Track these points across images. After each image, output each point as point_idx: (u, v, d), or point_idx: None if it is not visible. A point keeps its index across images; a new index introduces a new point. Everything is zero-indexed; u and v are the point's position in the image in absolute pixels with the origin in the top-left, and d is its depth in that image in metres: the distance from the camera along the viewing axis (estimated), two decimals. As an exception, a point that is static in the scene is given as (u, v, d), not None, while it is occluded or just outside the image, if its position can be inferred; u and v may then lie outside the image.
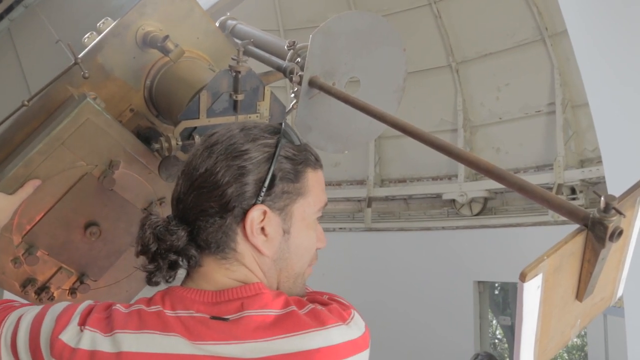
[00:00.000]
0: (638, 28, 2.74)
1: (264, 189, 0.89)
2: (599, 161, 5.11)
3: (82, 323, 0.88)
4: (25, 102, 1.40)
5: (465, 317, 6.41)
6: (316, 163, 0.98)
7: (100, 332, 0.87)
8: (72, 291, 1.55)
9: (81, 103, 1.38)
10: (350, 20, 1.57)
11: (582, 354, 8.87)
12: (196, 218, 0.90)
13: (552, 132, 6.14)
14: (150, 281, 0.94)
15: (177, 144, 1.34)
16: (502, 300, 9.58)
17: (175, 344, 0.84)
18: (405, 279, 6.43)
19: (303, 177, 0.94)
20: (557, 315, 0.79)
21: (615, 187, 2.82)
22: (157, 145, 1.36)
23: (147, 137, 1.53)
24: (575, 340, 8.11)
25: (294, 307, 0.86)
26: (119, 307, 0.91)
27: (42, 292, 1.51)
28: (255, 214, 0.89)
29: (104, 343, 0.85)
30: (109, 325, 0.87)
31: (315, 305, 0.87)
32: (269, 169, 0.90)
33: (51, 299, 1.53)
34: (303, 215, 0.93)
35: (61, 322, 0.89)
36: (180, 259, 0.92)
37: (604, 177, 3.32)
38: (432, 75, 6.77)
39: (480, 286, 6.61)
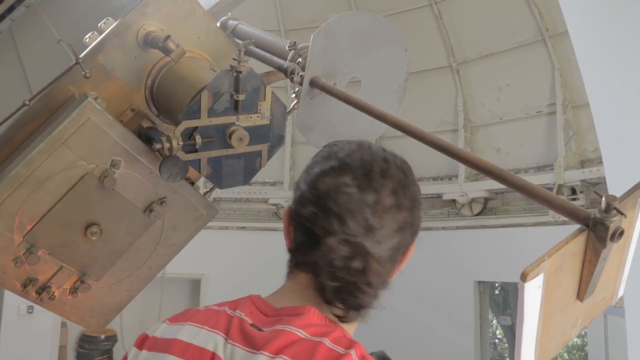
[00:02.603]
0: (638, 28, 2.74)
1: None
2: (599, 161, 5.11)
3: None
4: (27, 102, 1.40)
5: (466, 317, 6.41)
6: None
7: (167, 323, 0.92)
8: (73, 290, 1.55)
9: (82, 103, 1.39)
10: (352, 20, 1.57)
11: (583, 353, 8.87)
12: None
13: (552, 132, 6.13)
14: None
15: (178, 144, 1.34)
16: (502, 300, 9.58)
17: (212, 340, 0.84)
18: (405, 278, 6.40)
19: None
20: (558, 315, 0.79)
21: (615, 188, 2.82)
22: (158, 145, 1.36)
23: (148, 136, 1.53)
24: (575, 340, 8.10)
25: (325, 340, 0.79)
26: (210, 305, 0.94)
27: (43, 292, 1.51)
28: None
29: (166, 331, 0.89)
30: (181, 317, 0.91)
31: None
32: None
33: (52, 298, 1.53)
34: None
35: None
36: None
37: (604, 178, 3.32)
38: (432, 75, 6.77)
39: (480, 286, 6.61)
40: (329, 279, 0.84)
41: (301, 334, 0.80)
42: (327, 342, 0.79)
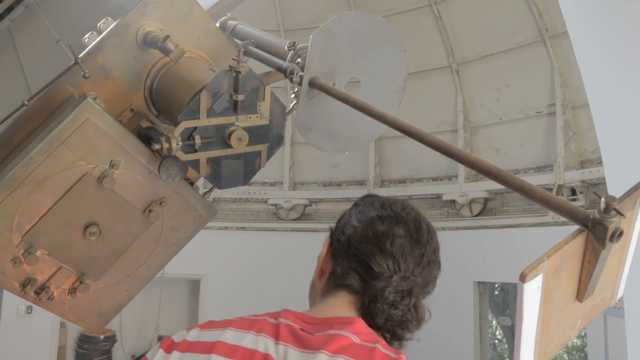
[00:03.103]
0: (638, 28, 2.74)
1: None
2: (599, 162, 5.11)
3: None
4: (26, 102, 1.40)
5: (465, 317, 6.41)
6: None
7: (197, 329, 0.97)
8: (72, 291, 1.55)
9: (81, 103, 1.38)
10: (351, 20, 1.57)
11: (582, 354, 8.86)
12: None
13: (552, 133, 6.13)
14: None
15: (177, 144, 1.34)
16: (502, 300, 9.58)
17: (262, 342, 0.90)
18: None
19: None
20: (557, 316, 0.79)
21: (615, 188, 2.82)
22: (157, 146, 1.35)
23: (147, 137, 1.53)
24: (575, 340, 8.10)
25: (378, 345, 0.90)
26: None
27: (41, 292, 1.51)
28: None
29: (201, 335, 0.94)
30: (214, 324, 0.97)
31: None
32: None
33: (51, 298, 1.53)
34: None
35: None
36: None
37: (604, 178, 3.32)
38: (432, 76, 6.77)
39: (480, 287, 6.61)
40: (386, 307, 0.98)
41: (355, 339, 0.90)
42: (380, 347, 0.89)
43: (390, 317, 0.99)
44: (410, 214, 1.06)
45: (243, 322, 0.95)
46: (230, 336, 0.92)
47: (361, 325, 0.95)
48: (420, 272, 1.02)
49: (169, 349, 0.93)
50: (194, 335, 0.94)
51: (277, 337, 0.91)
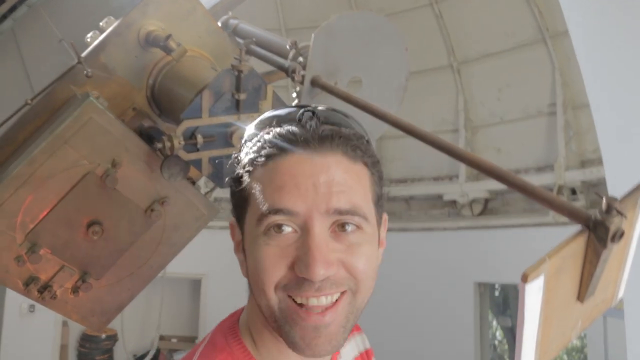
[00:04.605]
0: (639, 28, 2.73)
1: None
2: (599, 162, 5.11)
3: None
4: (29, 101, 1.40)
5: (466, 318, 6.40)
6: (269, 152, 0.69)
7: None
8: (75, 289, 1.55)
9: (84, 102, 1.39)
10: (352, 20, 1.58)
11: (582, 355, 8.86)
12: None
13: (553, 133, 6.13)
14: None
15: (179, 143, 1.34)
16: (502, 301, 9.57)
17: None
18: (405, 279, 6.43)
19: (243, 180, 0.72)
20: (558, 317, 0.79)
21: (615, 188, 2.82)
22: (159, 145, 1.36)
23: (149, 136, 1.53)
24: (575, 341, 8.10)
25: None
26: None
27: (44, 291, 1.52)
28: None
29: None
30: None
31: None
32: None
33: (53, 297, 1.53)
34: (249, 229, 0.72)
35: None
36: None
37: (604, 178, 3.31)
38: (433, 75, 6.77)
39: (480, 287, 6.60)
40: None
41: None
42: None
43: None
44: None
45: None
46: None
47: None
48: None
49: None
50: None
51: None
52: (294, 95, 1.63)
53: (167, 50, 1.43)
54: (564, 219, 0.82)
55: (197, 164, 1.40)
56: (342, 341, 0.70)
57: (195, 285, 7.72)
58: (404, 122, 1.23)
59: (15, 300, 5.87)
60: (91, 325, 1.67)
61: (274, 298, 0.68)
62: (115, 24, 1.51)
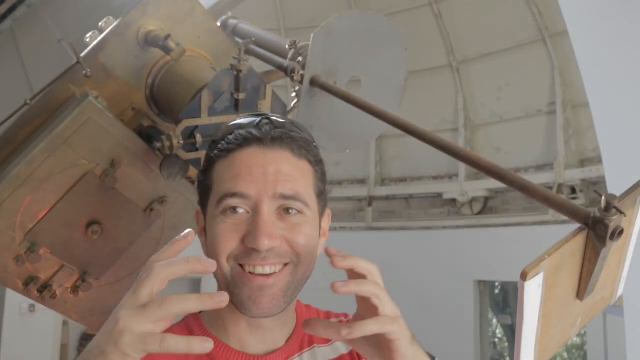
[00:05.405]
0: (639, 28, 2.74)
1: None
2: (599, 161, 5.11)
3: None
4: (28, 101, 1.40)
5: (466, 316, 6.41)
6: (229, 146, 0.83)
7: None
8: (75, 289, 1.55)
9: (83, 102, 1.39)
10: (352, 19, 1.58)
11: (582, 352, 8.88)
12: None
13: (552, 131, 6.14)
14: None
15: (178, 143, 1.34)
16: (502, 299, 9.58)
17: None
18: (405, 278, 6.43)
19: (208, 172, 0.86)
20: (557, 314, 0.80)
21: (615, 187, 2.83)
22: (158, 144, 1.36)
23: (148, 135, 1.53)
24: (574, 339, 8.11)
25: None
26: None
27: (44, 290, 1.52)
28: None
29: None
30: None
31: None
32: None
33: (53, 297, 1.53)
34: (210, 212, 0.85)
35: None
36: None
37: (604, 177, 3.32)
38: (432, 74, 6.77)
39: (480, 285, 6.61)
40: None
41: None
42: None
43: None
44: None
45: None
46: None
47: None
48: None
49: None
50: None
51: None
52: (293, 94, 1.63)
53: (167, 50, 1.43)
54: (563, 217, 0.82)
55: (197, 163, 1.40)
56: (283, 304, 0.81)
57: (195, 285, 7.72)
58: (404, 121, 1.23)
59: (15, 300, 5.87)
60: (91, 324, 1.67)
61: (226, 266, 0.81)
62: (115, 23, 1.51)
